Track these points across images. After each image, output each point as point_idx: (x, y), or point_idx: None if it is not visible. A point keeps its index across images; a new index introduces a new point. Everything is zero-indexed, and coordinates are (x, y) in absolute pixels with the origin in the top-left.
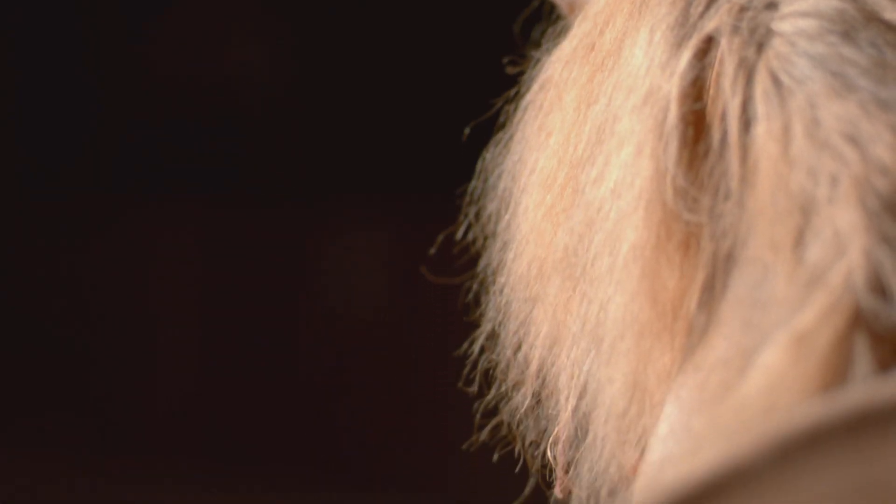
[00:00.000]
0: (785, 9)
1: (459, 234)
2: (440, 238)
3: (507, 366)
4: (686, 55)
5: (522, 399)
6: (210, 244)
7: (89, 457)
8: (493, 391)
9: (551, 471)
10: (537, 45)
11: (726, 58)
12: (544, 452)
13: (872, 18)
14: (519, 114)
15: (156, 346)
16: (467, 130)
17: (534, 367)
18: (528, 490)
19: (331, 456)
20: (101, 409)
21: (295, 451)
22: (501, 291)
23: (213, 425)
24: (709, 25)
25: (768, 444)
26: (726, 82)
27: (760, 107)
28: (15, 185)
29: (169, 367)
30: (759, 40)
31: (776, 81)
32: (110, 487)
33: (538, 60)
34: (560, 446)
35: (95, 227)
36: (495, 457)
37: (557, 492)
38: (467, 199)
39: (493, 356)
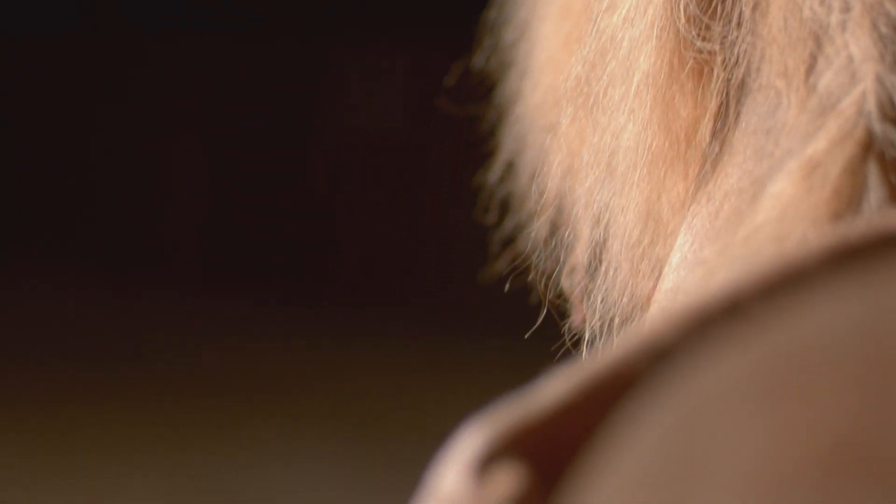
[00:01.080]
0: None
1: (477, 64)
2: (457, 67)
3: (523, 196)
4: None
5: (537, 229)
6: (231, 75)
7: (106, 276)
8: (507, 221)
9: (565, 301)
10: None
11: None
12: (558, 282)
13: None
14: None
15: (171, 170)
16: None
17: (549, 196)
18: (540, 320)
19: (342, 279)
20: (119, 229)
21: (306, 271)
22: (518, 121)
23: (228, 242)
24: None
25: (769, 275)
26: None
27: None
28: (29, 21)
29: (186, 189)
30: None
31: None
32: (125, 303)
33: None
34: (574, 276)
35: (116, 61)
36: (508, 287)
37: (571, 322)
38: (485, 28)
39: (509, 186)
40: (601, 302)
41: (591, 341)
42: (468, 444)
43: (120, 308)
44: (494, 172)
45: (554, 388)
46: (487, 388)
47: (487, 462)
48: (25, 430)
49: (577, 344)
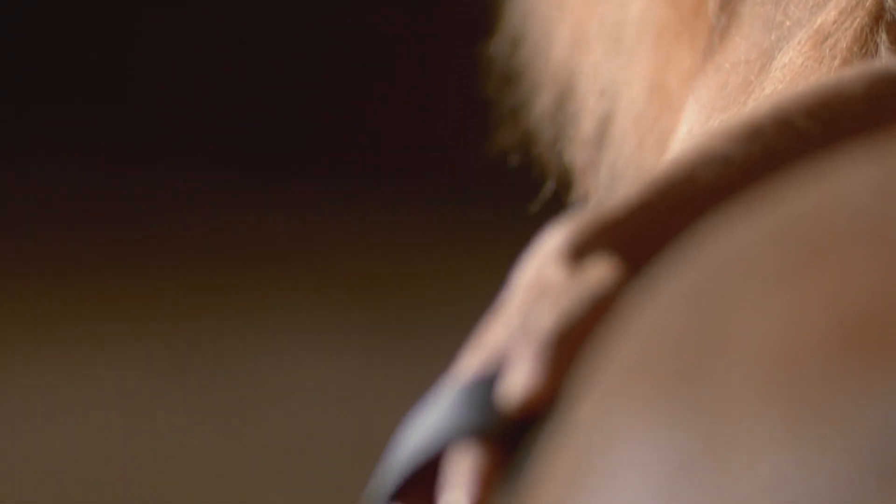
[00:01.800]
0: None
1: None
2: None
3: (528, 68)
4: None
5: (543, 101)
6: None
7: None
8: (513, 94)
9: (569, 173)
10: None
11: None
12: (563, 154)
13: None
14: None
15: (180, 44)
16: None
17: (555, 69)
18: (546, 193)
19: (352, 154)
20: (126, 100)
21: (316, 145)
22: None
23: (238, 117)
24: None
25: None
26: None
27: None
28: None
29: (196, 63)
30: None
31: None
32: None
33: None
34: (580, 147)
35: None
36: (512, 160)
37: (576, 193)
38: None
39: (515, 59)
40: (607, 172)
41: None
42: (556, 236)
43: (126, 179)
44: (500, 45)
45: (634, 191)
46: (494, 259)
47: (579, 251)
48: (27, 300)
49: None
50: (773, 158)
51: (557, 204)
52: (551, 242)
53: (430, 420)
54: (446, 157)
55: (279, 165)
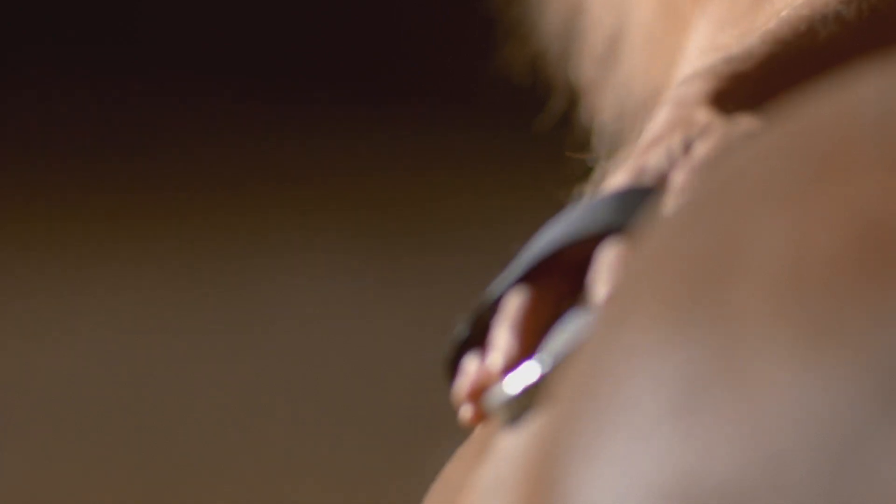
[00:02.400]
0: None
1: None
2: None
3: None
4: None
5: (550, 18)
6: None
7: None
8: (520, 10)
9: (577, 91)
10: None
11: None
12: (570, 72)
13: None
14: None
15: None
16: None
17: None
18: (555, 113)
19: (351, 73)
20: (130, 16)
21: (317, 65)
22: None
23: (238, 39)
24: None
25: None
26: None
27: None
28: None
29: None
30: None
31: None
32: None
33: None
34: (588, 64)
35: None
36: (519, 78)
37: (583, 112)
38: None
39: None
40: (615, 90)
41: (604, 131)
42: (694, 85)
43: (132, 98)
44: None
45: (760, 42)
46: (502, 177)
47: (720, 99)
48: (31, 219)
49: (589, 134)
50: (880, 19)
51: (564, 122)
52: (690, 90)
53: (577, 218)
54: (453, 75)
55: (288, 87)
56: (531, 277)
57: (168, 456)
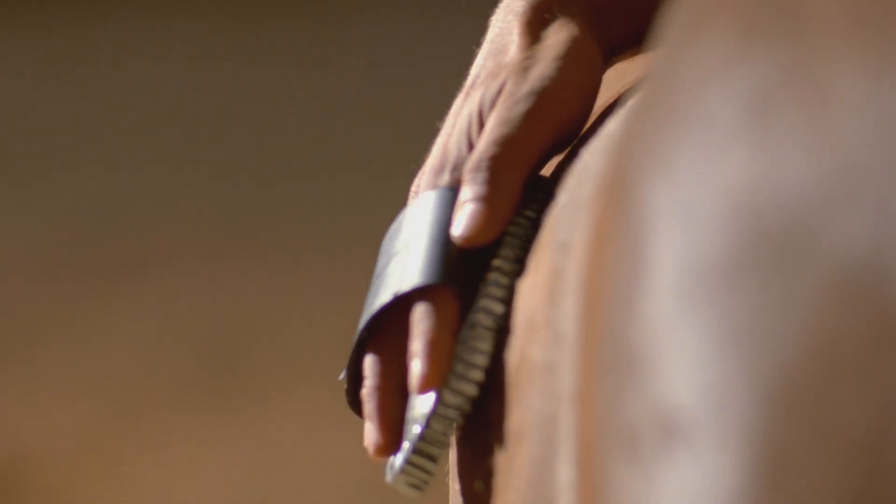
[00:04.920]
0: None
1: None
2: None
3: None
4: None
5: None
6: None
7: None
8: None
9: None
10: None
11: None
12: None
13: None
14: None
15: None
16: None
17: None
18: None
19: None
20: None
21: None
22: None
23: None
24: None
25: None
26: None
27: None
28: None
29: None
30: None
31: None
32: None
33: None
34: None
35: None
36: None
37: None
38: None
39: None
40: None
41: None
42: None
43: None
44: None
45: None
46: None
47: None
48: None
49: None
50: None
51: None
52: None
53: (392, 264)
54: None
55: None
56: (375, 335)
57: (254, 165)
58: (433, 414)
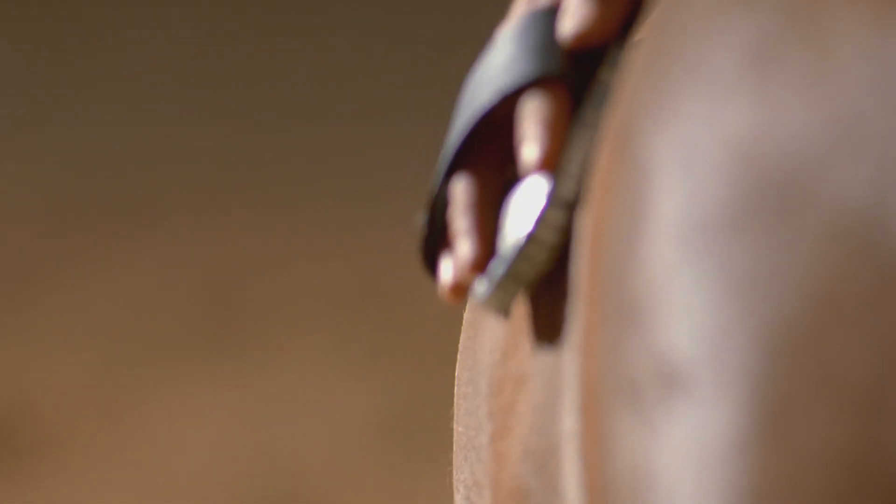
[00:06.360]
0: None
1: None
2: None
3: None
4: None
5: None
6: None
7: None
8: None
9: None
10: None
11: None
12: None
13: None
14: None
15: None
16: None
17: None
18: None
19: None
20: None
21: None
22: None
23: None
24: None
25: None
26: None
27: None
28: None
29: None
30: None
31: None
32: None
33: None
34: None
35: None
36: None
37: None
38: None
39: None
40: None
41: None
42: None
43: None
44: None
45: None
46: None
47: None
48: None
49: None
50: None
51: None
52: None
53: (488, 74)
54: None
55: None
56: (466, 157)
57: (251, 117)
58: (549, 205)
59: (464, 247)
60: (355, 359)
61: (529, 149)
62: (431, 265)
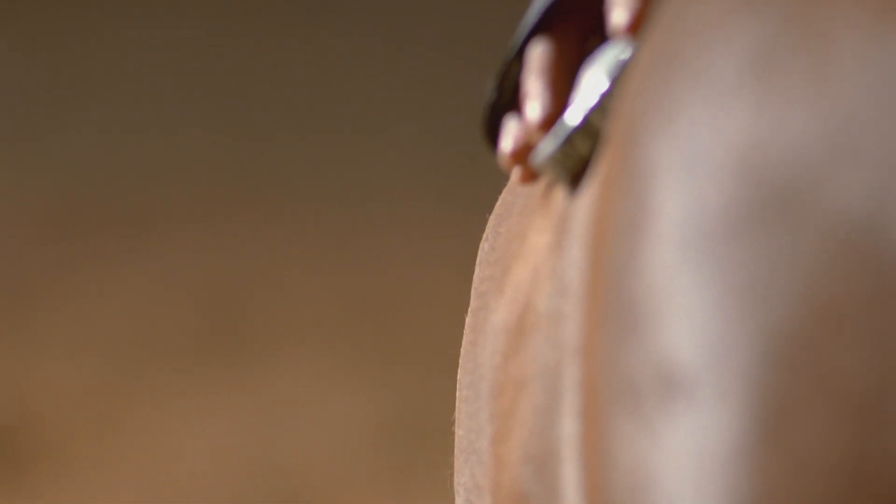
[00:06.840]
0: None
1: None
2: None
3: None
4: None
5: None
6: None
7: None
8: None
9: None
10: None
11: None
12: None
13: None
14: None
15: None
16: None
17: None
18: None
19: None
20: None
21: None
22: None
23: None
24: None
25: None
26: None
27: None
28: None
29: None
30: None
31: None
32: None
33: None
34: None
35: None
36: None
37: None
38: None
39: None
40: None
41: None
42: None
43: None
44: None
45: None
46: None
47: None
48: None
49: None
50: None
51: None
52: None
53: None
54: None
55: None
56: (549, 23)
57: (254, 123)
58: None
59: (534, 107)
60: (355, 364)
61: (619, 13)
62: (493, 134)
